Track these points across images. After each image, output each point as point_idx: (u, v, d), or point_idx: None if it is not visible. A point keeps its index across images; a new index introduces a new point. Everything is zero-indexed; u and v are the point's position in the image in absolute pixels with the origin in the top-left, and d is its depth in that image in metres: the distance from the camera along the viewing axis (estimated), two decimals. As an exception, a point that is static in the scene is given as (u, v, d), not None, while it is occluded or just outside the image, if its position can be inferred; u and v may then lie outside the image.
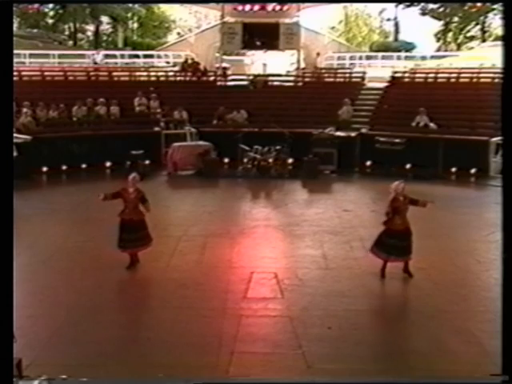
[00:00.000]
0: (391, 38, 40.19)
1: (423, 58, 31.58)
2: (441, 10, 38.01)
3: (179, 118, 18.97)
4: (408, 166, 16.95)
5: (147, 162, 16.75)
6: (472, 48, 35.90)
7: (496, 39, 33.02)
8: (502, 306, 5.15)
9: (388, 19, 41.41)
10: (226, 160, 17.87)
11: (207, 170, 16.63)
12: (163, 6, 42.44)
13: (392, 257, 8.79)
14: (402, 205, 8.76)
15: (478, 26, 39.61)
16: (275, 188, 15.59)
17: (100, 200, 9.08)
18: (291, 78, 25.63)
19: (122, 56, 31.03)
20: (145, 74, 24.08)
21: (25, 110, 17.96)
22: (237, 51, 31.52)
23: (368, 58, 30.00)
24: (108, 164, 17.22)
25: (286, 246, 10.83)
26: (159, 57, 31.09)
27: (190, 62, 25.46)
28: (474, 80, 21.09)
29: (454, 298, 8.18)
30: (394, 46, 36.11)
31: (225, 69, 25.78)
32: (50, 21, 39.01)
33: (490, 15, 37.55)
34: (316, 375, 6.18)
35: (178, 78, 23.71)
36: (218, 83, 23.52)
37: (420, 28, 39.76)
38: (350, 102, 19.89)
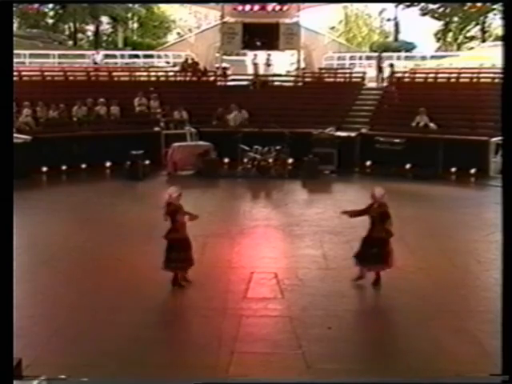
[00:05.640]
0: (391, 38, 40.28)
1: (423, 58, 31.66)
2: (441, 10, 38.09)
3: (179, 117, 18.96)
4: (408, 166, 16.92)
5: (147, 162, 16.73)
6: (472, 48, 35.96)
7: (496, 39, 33.08)
8: (502, 306, 5.14)
9: (388, 19, 41.52)
10: (226, 160, 17.83)
11: (207, 170, 16.61)
12: (163, 6, 42.54)
13: (366, 265, 8.43)
14: (373, 211, 8.26)
15: (478, 26, 39.69)
16: (275, 188, 15.57)
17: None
18: (291, 78, 25.66)
19: (122, 56, 31.16)
20: (145, 74, 24.14)
21: (25, 109, 17.98)
22: (237, 51, 31.55)
23: (368, 58, 30.06)
24: (108, 164, 17.18)
25: (286, 246, 10.83)
26: (159, 57, 31.20)
27: (189, 62, 25.52)
28: (474, 80, 21.11)
29: (453, 298, 8.17)
30: (394, 46, 36.20)
31: (225, 69, 25.81)
32: (50, 21, 39.13)
33: (490, 15, 37.65)
34: (316, 375, 6.17)
35: (178, 78, 23.73)
36: (218, 83, 23.54)
37: (420, 28, 39.87)
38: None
